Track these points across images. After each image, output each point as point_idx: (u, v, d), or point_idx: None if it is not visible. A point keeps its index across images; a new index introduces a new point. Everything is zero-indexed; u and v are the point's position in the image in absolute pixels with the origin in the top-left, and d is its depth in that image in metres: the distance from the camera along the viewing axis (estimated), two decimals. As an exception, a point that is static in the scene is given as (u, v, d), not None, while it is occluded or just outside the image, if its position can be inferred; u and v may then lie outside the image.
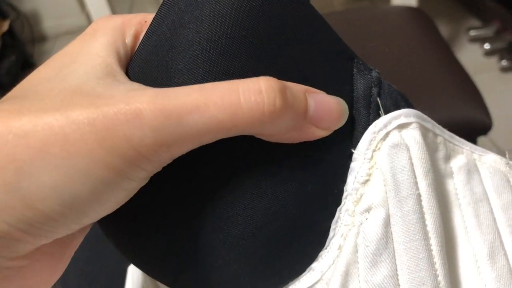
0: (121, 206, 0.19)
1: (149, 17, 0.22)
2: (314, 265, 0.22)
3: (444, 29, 1.61)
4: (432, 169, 0.21)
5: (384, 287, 0.20)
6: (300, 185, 0.21)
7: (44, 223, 0.16)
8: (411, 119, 0.22)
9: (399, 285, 0.20)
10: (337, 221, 0.21)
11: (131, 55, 0.21)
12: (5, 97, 0.19)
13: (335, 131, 0.21)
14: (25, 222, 0.16)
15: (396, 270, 0.20)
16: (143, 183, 0.18)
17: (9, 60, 1.75)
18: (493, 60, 1.55)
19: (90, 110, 0.16)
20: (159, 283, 0.29)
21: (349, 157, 0.22)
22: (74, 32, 2.07)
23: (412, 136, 0.21)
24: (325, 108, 0.20)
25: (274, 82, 0.18)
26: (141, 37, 0.21)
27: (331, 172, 0.21)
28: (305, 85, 0.20)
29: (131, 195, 0.18)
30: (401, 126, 0.22)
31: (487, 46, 1.56)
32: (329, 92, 0.21)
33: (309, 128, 0.20)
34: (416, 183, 0.21)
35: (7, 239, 0.16)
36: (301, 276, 0.22)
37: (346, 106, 0.21)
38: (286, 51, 0.20)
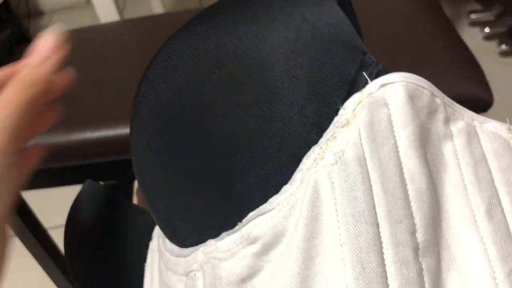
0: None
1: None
2: (274, 197, 0.23)
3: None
4: (416, 124, 0.22)
5: (363, 221, 0.21)
6: (286, 107, 0.24)
7: None
8: (395, 79, 0.23)
9: (377, 220, 0.21)
10: (309, 156, 0.23)
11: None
12: None
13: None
14: None
15: (375, 208, 0.21)
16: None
17: (4, 34, 1.72)
18: (493, 44, 1.54)
19: None
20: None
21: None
22: (70, 7, 2.04)
23: (395, 94, 0.23)
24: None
25: None
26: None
27: (315, 116, 0.24)
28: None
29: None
30: (384, 85, 0.23)
31: (487, 30, 1.55)
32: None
33: None
34: (393, 132, 0.22)
35: None
36: (260, 207, 0.23)
37: None
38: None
